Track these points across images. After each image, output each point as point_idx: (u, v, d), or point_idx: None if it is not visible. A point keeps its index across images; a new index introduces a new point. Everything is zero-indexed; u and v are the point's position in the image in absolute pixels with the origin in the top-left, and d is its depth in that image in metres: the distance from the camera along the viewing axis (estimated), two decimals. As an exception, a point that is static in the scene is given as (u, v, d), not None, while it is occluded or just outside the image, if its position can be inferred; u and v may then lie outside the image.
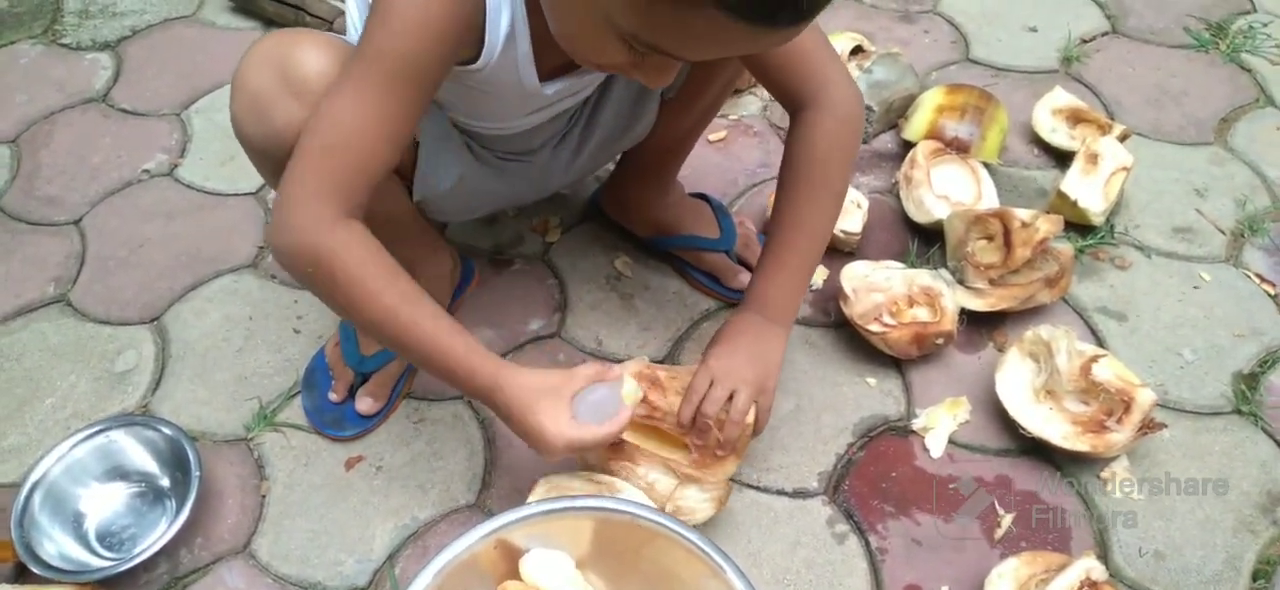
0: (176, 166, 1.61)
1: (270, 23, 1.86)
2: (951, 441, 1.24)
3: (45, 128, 1.68)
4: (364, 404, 1.23)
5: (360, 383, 1.24)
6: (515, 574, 1.03)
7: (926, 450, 1.24)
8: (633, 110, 1.21)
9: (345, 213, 0.92)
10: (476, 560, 1.01)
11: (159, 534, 1.11)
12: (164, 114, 1.70)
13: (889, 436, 1.26)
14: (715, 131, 1.64)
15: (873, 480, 1.21)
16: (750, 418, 1.11)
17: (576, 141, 1.23)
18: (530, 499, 1.09)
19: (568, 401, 1.00)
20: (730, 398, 1.09)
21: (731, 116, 1.68)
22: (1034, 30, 1.85)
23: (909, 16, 1.90)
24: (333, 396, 1.24)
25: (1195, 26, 1.85)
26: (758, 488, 1.20)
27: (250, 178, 1.57)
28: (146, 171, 1.60)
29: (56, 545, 1.12)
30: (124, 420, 1.20)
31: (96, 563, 1.11)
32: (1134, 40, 1.83)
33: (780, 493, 1.20)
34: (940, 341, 1.28)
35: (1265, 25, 1.84)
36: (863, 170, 1.58)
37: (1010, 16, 1.89)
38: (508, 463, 1.22)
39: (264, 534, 1.16)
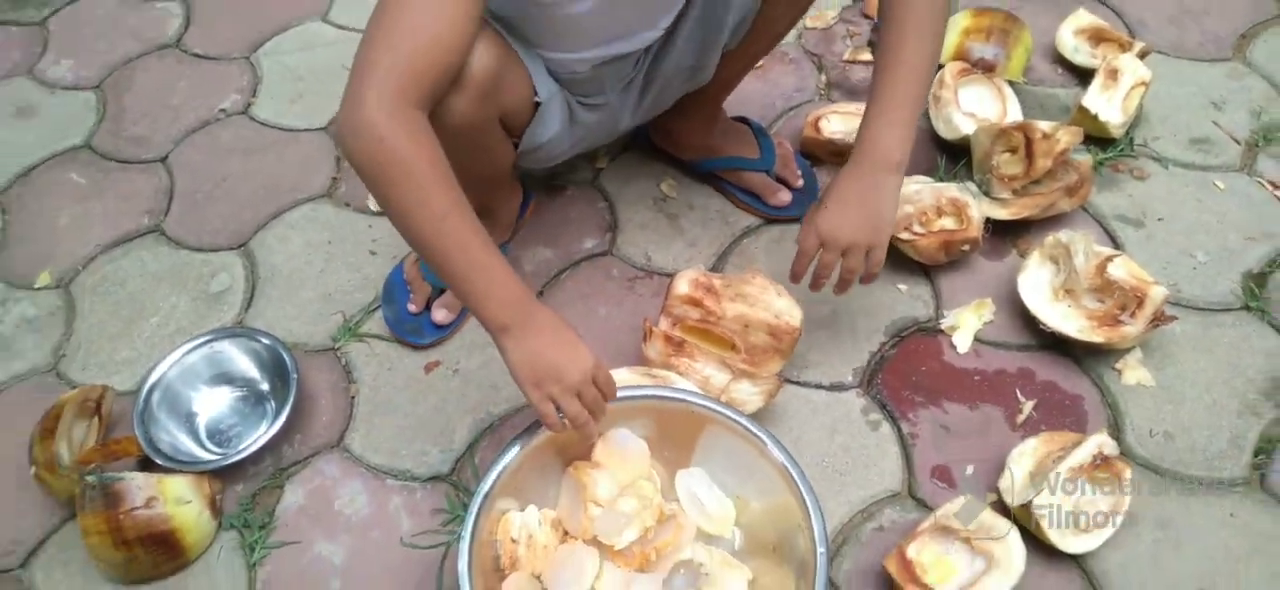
0: (250, 105, 1.73)
1: (328, -31, 1.96)
2: (977, 339, 1.35)
3: (126, 73, 1.81)
4: (440, 314, 1.36)
5: (435, 295, 1.37)
6: (585, 454, 1.16)
7: (954, 347, 1.35)
8: (696, 60, 1.30)
9: (413, 99, 0.96)
10: (549, 447, 1.14)
11: (263, 431, 1.25)
12: (234, 57, 1.82)
13: (919, 336, 1.36)
14: (753, 60, 1.74)
15: (904, 375, 1.32)
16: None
17: (640, 85, 1.32)
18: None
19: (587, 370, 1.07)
20: (845, 253, 1.18)
21: (767, 45, 1.77)
22: (1059, -48, 1.91)
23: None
24: (411, 307, 1.37)
25: (1218, -55, 1.90)
26: (798, 383, 1.32)
27: (320, 114, 1.69)
28: (223, 111, 1.72)
29: (172, 440, 1.26)
30: (228, 332, 1.34)
31: (207, 456, 1.25)
32: (1156, -40, 1.89)
33: (819, 386, 1.31)
34: (966, 248, 1.38)
35: (1286, -58, 1.89)
36: (893, 93, 1.67)
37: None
38: (570, 365, 1.34)
39: (355, 431, 1.29)
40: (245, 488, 1.25)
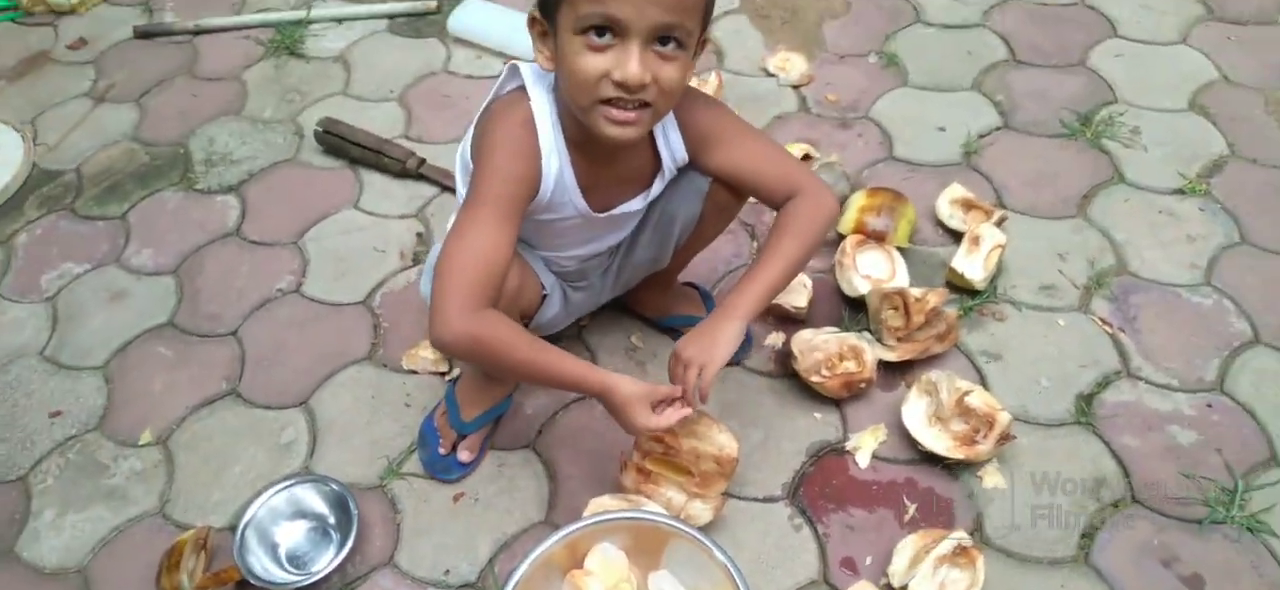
0: (301, 284, 2.15)
1: (354, 161, 2.41)
2: (874, 456, 1.77)
3: (197, 259, 2.23)
4: (464, 454, 1.77)
5: (459, 439, 1.77)
6: (578, 565, 1.56)
7: (856, 463, 1.77)
8: (655, 253, 1.74)
9: (482, 305, 1.39)
10: (552, 558, 1.54)
11: (332, 555, 1.65)
12: (285, 243, 2.25)
13: (830, 455, 1.79)
14: (700, 231, 2.18)
15: (819, 486, 1.74)
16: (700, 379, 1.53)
17: (615, 271, 1.78)
18: (585, 515, 1.62)
19: (648, 402, 1.49)
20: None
21: (712, 217, 2.22)
22: (943, 130, 2.38)
23: (846, 123, 2.44)
24: (441, 450, 1.77)
25: (1068, 118, 2.38)
26: (739, 497, 1.73)
27: (359, 289, 2.11)
28: (280, 290, 2.14)
29: (263, 566, 1.66)
30: (301, 478, 1.74)
31: (289, 578, 1.64)
32: (1020, 133, 2.37)
33: (754, 499, 1.73)
34: (864, 385, 1.81)
35: (1122, 114, 2.37)
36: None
37: (925, 118, 2.42)
38: (567, 492, 1.75)
39: (402, 551, 1.69)
40: (319, 603, 1.64)
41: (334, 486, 1.72)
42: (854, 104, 2.49)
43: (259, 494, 1.71)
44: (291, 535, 1.71)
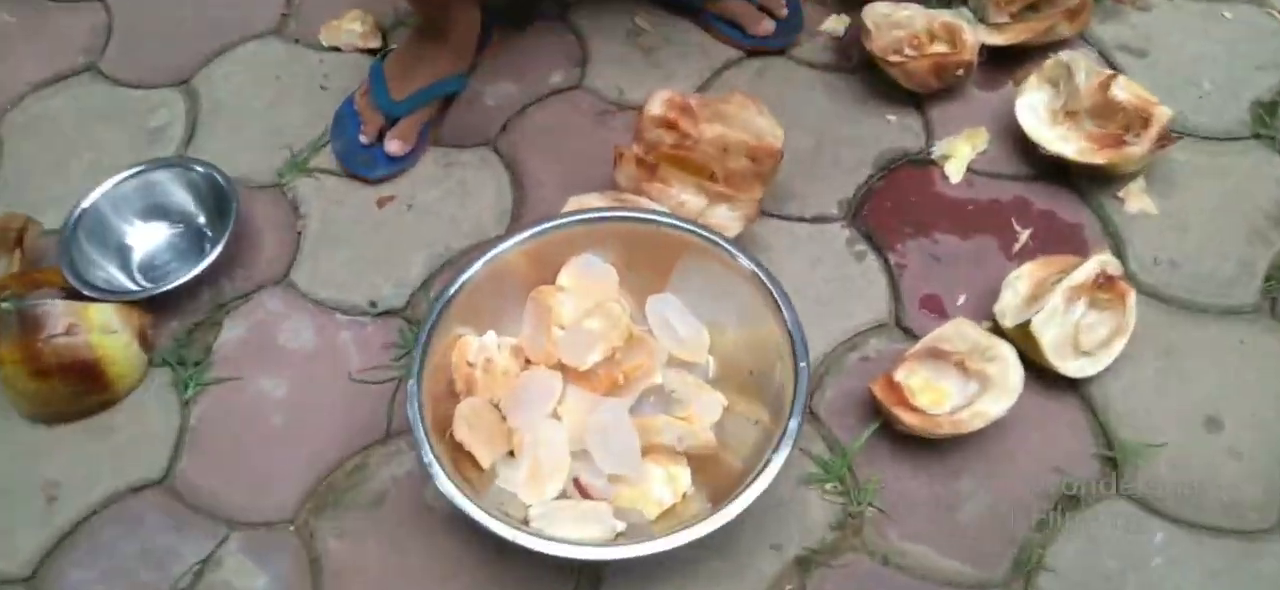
0: (196, -59, 1.61)
1: None
2: (970, 169, 1.26)
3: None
4: (393, 146, 1.26)
5: (389, 126, 1.27)
6: (548, 281, 1.07)
7: (945, 177, 1.26)
8: None
9: None
10: (509, 267, 1.05)
11: (200, 262, 1.15)
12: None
13: (908, 167, 1.27)
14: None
15: (891, 206, 1.24)
16: None
17: None
18: (561, 214, 1.13)
19: None
20: None
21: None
22: None
23: None
24: (362, 139, 1.27)
25: None
26: (780, 216, 1.23)
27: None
28: (168, -54, 1.60)
29: (104, 273, 1.17)
30: (162, 162, 1.24)
31: (132, 289, 1.15)
32: None
33: (800, 219, 1.22)
34: (960, 73, 1.29)
35: None
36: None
37: None
38: (535, 200, 1.25)
39: (301, 265, 1.20)
40: (180, 324, 1.16)
41: (201, 170, 1.22)
42: None
43: (104, 182, 1.21)
44: (148, 239, 1.22)
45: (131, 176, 1.21)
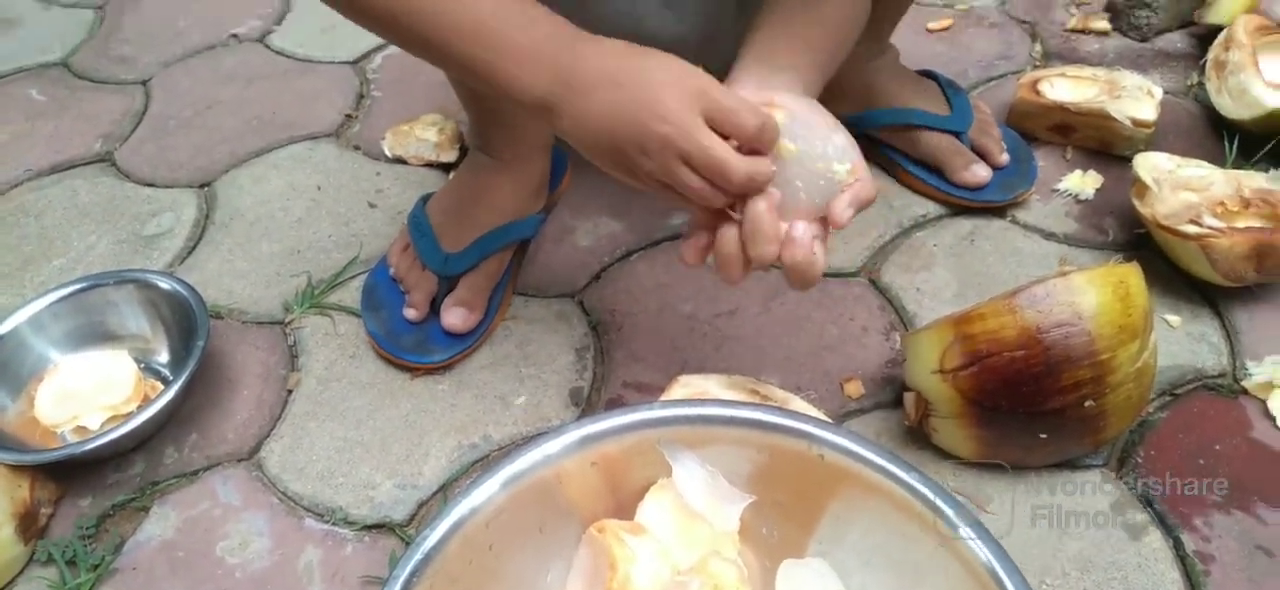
0: (270, 33, 1.35)
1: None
2: (1311, 412, 0.79)
3: (138, -8, 1.47)
4: (455, 317, 0.88)
5: (444, 291, 0.90)
6: (622, 511, 0.66)
7: (1270, 418, 0.79)
8: None
9: None
10: (561, 483, 0.64)
11: (135, 415, 0.79)
12: (269, -18, 1.46)
13: (1204, 396, 0.82)
14: (937, 19, 1.25)
15: (1182, 453, 0.77)
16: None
17: None
18: (663, 399, 0.72)
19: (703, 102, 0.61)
20: None
21: (958, 6, 1.29)
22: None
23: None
24: (410, 314, 0.89)
25: None
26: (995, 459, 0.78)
27: (351, 46, 1.28)
28: (234, 36, 1.35)
29: (14, 417, 0.83)
30: (116, 275, 0.90)
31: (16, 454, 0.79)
32: None
33: (1059, 467, 0.77)
34: (1292, 261, 0.83)
35: None
36: (1143, 69, 1.15)
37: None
38: (624, 379, 0.85)
39: (279, 437, 0.83)
40: (94, 502, 0.79)
41: (167, 287, 0.87)
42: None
43: (39, 296, 0.88)
44: (86, 374, 0.87)
45: (80, 292, 0.88)
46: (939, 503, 0.58)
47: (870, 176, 0.65)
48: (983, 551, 0.56)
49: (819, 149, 0.64)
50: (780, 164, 0.63)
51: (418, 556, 0.58)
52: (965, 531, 0.57)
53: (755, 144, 0.62)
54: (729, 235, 0.64)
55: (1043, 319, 0.69)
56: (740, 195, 0.63)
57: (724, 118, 0.61)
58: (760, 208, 0.63)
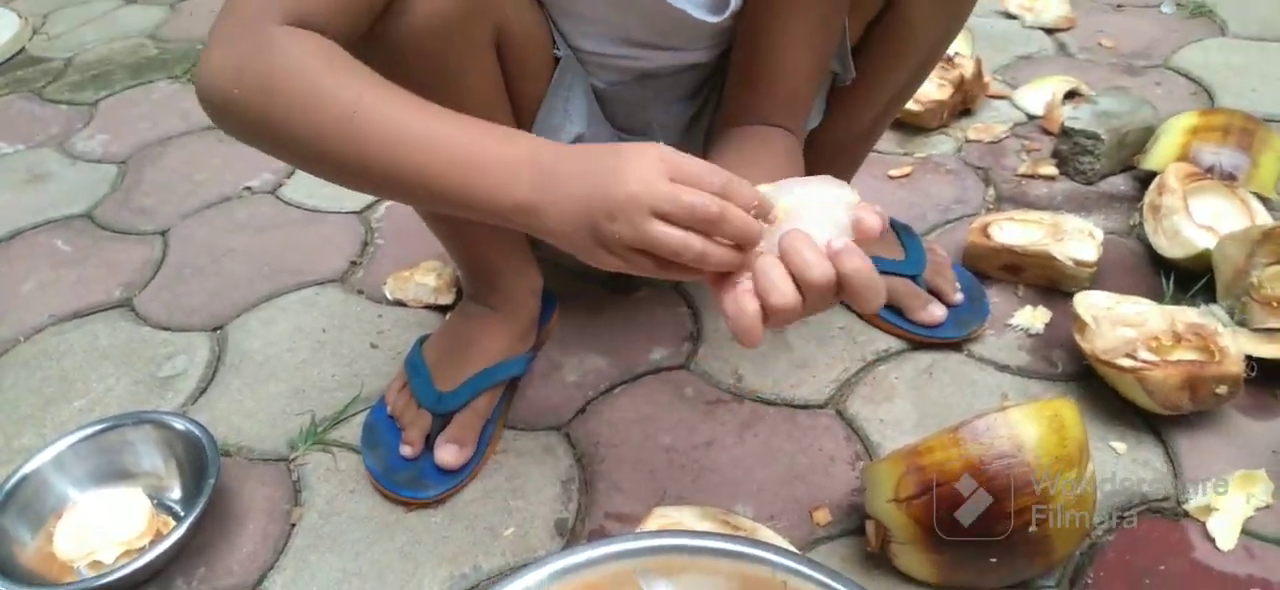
0: (282, 186, 1.44)
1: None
2: (1247, 532, 0.85)
3: (157, 149, 1.57)
4: (447, 454, 0.94)
5: (438, 428, 0.96)
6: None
7: (1210, 540, 0.85)
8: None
9: (291, 20, 0.65)
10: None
11: (146, 551, 0.85)
12: (278, 139, 1.56)
13: (1149, 518, 0.87)
14: (898, 166, 1.35)
15: (1129, 575, 0.83)
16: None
17: (702, 124, 0.97)
18: (640, 530, 0.78)
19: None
20: None
21: (917, 154, 1.39)
22: (1299, 79, 1.48)
23: (1134, 69, 1.58)
24: (406, 451, 0.96)
25: None
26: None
27: (357, 198, 1.38)
28: (248, 189, 1.44)
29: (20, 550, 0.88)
30: (142, 416, 0.97)
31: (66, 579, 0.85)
32: None
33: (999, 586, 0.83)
34: (1222, 391, 0.90)
35: None
36: (1088, 210, 1.24)
37: (1261, 67, 1.53)
38: (607, 509, 0.91)
39: (282, 570, 0.88)
40: (106, 634, 0.84)
41: (188, 431, 0.94)
42: (1143, 51, 1.62)
43: (61, 437, 0.95)
44: (103, 511, 0.93)
45: (98, 434, 0.95)
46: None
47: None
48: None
49: (817, 194, 0.64)
50: (786, 219, 0.63)
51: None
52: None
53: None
54: (743, 290, 0.62)
55: (985, 452, 0.76)
56: (732, 236, 0.61)
57: (687, 176, 0.61)
58: (769, 261, 0.61)
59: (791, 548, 0.77)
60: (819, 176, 0.69)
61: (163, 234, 1.36)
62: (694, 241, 0.60)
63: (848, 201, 0.64)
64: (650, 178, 0.60)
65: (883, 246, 1.09)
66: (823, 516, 0.89)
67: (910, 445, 0.80)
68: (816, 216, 0.63)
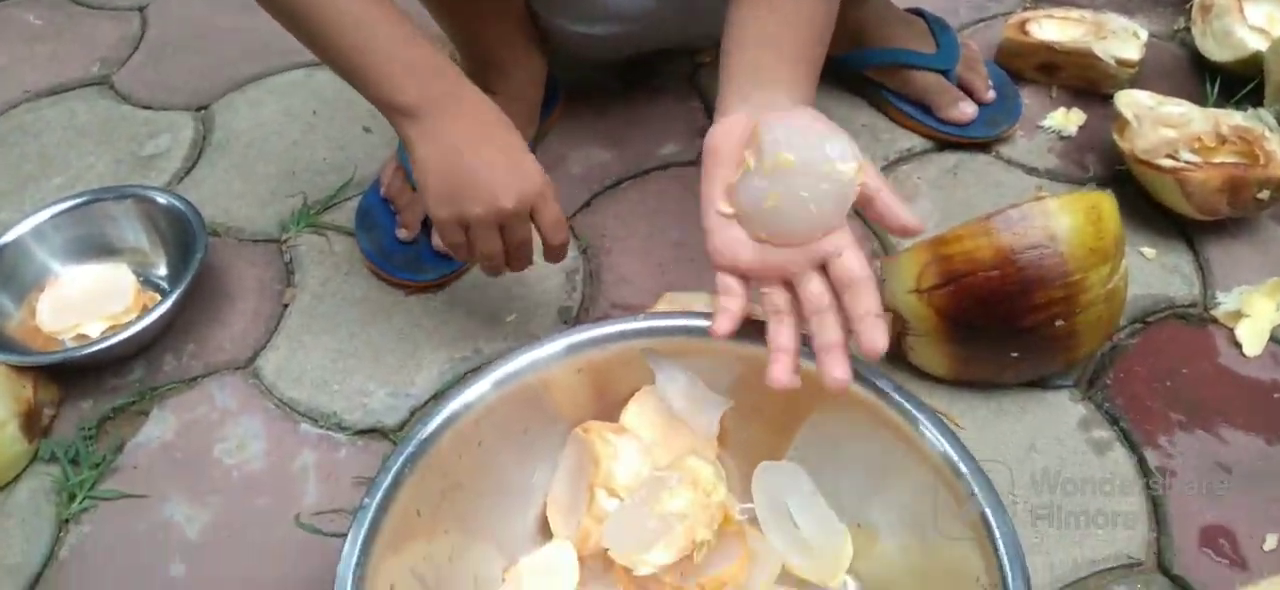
0: (266, -36, 1.35)
1: None
2: (1275, 339, 0.82)
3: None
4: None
5: None
6: (607, 416, 0.68)
7: (1237, 346, 0.82)
8: None
9: None
10: (548, 388, 0.67)
11: (130, 322, 0.82)
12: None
13: (1175, 324, 0.84)
14: (927, -41, 1.26)
15: (1150, 377, 0.80)
16: None
17: None
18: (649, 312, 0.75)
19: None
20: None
21: (949, -51, 1.30)
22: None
23: None
24: (402, 234, 0.91)
25: None
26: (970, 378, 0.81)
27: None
28: (232, -35, 1.35)
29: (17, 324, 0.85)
30: (116, 191, 0.92)
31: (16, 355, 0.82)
32: None
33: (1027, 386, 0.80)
34: (1264, 196, 0.86)
35: None
36: (1131, 11, 1.16)
37: None
38: (613, 298, 0.88)
39: (276, 348, 0.85)
40: (95, 406, 0.82)
41: (172, 205, 0.89)
42: None
43: (41, 209, 0.90)
44: (87, 285, 0.89)
45: (77, 207, 0.90)
46: (904, 402, 0.61)
47: (878, 174, 0.61)
48: (940, 439, 0.58)
49: (818, 154, 0.59)
50: (781, 176, 0.59)
51: (412, 447, 0.61)
52: (924, 426, 0.60)
53: (550, 255, 0.75)
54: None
55: (1017, 241, 0.72)
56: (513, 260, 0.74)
57: (543, 219, 0.72)
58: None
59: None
60: (825, 126, 0.61)
61: (141, 10, 1.28)
62: (498, 264, 0.73)
63: (842, 174, 0.58)
64: (521, 206, 0.70)
65: (913, 38, 1.02)
66: (837, 313, 0.86)
67: (935, 236, 0.76)
68: (812, 181, 0.59)
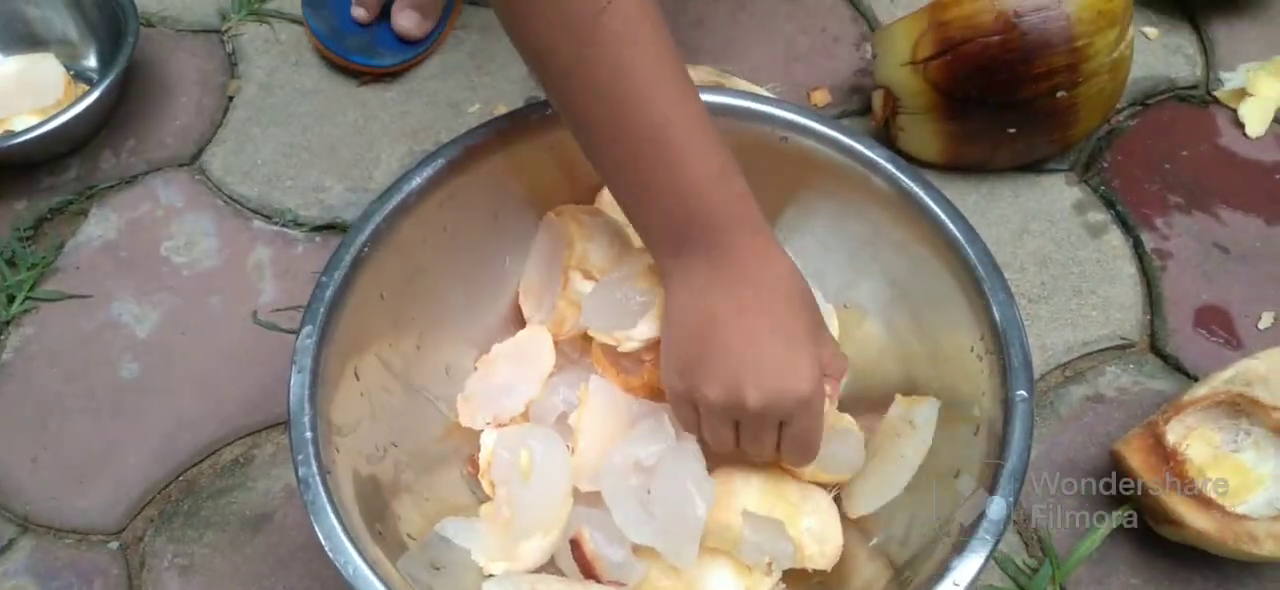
0: None
1: None
2: (1278, 120, 0.78)
3: None
4: (406, 20, 0.82)
5: None
6: (580, 202, 0.64)
7: (1238, 126, 0.78)
8: None
9: None
10: (518, 168, 0.62)
11: (62, 111, 0.75)
12: None
13: (1175, 105, 0.81)
14: None
15: (1148, 159, 0.77)
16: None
17: None
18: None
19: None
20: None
21: None
22: None
23: None
24: (359, 13, 0.84)
25: None
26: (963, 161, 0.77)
27: None
28: None
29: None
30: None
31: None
32: None
33: (1001, 167, 0.76)
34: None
35: None
36: None
37: None
38: (584, 88, 0.82)
39: (222, 142, 0.79)
40: (30, 206, 0.76)
41: (99, -13, 0.82)
42: None
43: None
44: (12, 77, 0.81)
45: (-9, -8, 0.82)
46: (901, 175, 0.57)
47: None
48: (938, 209, 0.55)
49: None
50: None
51: (372, 225, 0.56)
52: (926, 198, 0.56)
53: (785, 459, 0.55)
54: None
55: (1021, 3, 0.67)
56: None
57: (789, 429, 0.51)
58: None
59: (798, 105, 0.69)
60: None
61: None
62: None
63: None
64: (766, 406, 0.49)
65: None
66: (821, 97, 0.81)
67: (933, 0, 0.70)
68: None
